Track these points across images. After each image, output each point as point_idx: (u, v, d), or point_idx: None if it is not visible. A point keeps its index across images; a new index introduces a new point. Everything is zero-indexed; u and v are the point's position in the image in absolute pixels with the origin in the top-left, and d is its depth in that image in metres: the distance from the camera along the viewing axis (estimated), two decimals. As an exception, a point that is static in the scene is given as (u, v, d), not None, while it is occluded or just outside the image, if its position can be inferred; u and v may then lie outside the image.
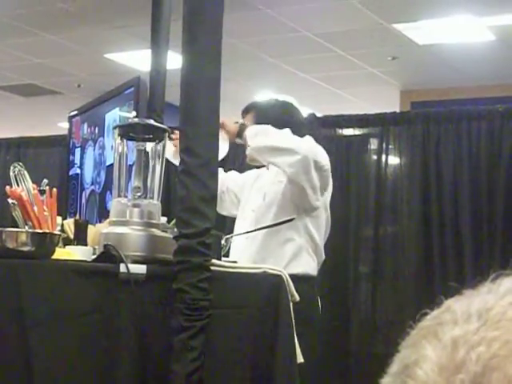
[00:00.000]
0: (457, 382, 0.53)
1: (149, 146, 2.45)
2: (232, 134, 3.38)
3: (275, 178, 3.39)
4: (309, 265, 3.35)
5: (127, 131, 2.48)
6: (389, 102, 8.35)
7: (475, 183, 4.90)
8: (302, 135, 3.33)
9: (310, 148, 3.22)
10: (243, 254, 3.28)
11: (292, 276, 3.05)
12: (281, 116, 3.43)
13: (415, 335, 0.58)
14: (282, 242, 3.32)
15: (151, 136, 2.45)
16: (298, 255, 3.32)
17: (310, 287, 3.31)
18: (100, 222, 3.24)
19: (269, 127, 3.27)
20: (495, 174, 4.87)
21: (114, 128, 2.55)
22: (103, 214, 3.29)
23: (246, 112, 3.54)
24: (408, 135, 5.20)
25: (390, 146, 5.26)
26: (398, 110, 6.46)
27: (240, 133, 3.35)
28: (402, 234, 5.11)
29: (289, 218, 3.21)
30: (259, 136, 3.28)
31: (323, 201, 3.35)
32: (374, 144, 5.34)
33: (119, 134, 2.47)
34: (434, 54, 8.04)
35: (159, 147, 2.45)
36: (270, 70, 8.81)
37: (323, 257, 3.47)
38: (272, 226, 3.25)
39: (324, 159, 3.27)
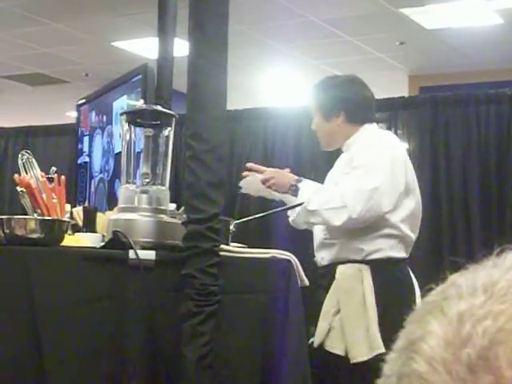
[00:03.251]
0: (463, 357, 0.53)
1: (156, 132, 2.45)
2: (282, 191, 3.21)
3: (343, 169, 3.19)
4: (390, 248, 3.12)
5: (134, 118, 2.48)
6: (397, 87, 8.31)
7: (484, 167, 4.89)
8: (358, 118, 3.23)
9: (353, 206, 2.98)
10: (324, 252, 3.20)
11: (374, 262, 3.03)
12: (336, 97, 3.24)
13: (420, 310, 0.58)
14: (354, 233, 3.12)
15: (159, 122, 2.45)
16: (372, 240, 3.11)
17: (395, 270, 3.14)
18: (109, 209, 3.25)
19: (316, 209, 3.05)
20: (504, 157, 4.86)
21: (122, 114, 2.54)
22: (112, 201, 3.30)
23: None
24: (417, 120, 5.19)
25: (399, 131, 5.24)
26: (406, 95, 6.43)
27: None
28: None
29: (298, 202, 3.11)
30: (303, 214, 3.11)
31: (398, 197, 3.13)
32: (382, 129, 5.32)
33: (127, 121, 2.47)
34: (442, 39, 8.00)
35: (167, 133, 2.45)
36: (278, 56, 8.78)
37: (410, 235, 3.18)
38: (281, 210, 3.22)
39: (375, 182, 3.01)
